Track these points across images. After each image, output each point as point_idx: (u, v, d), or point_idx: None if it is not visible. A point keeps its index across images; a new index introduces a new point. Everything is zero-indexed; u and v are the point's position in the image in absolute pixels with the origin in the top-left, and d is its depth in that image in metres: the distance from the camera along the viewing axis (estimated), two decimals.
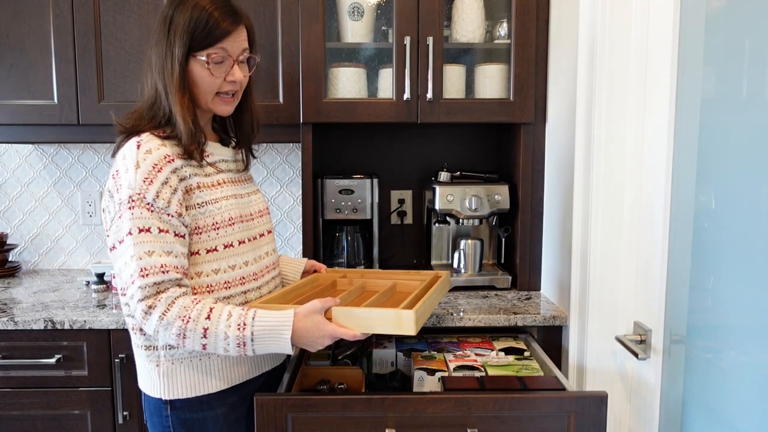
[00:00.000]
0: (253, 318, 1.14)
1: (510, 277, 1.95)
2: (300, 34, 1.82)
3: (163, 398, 1.24)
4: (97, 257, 2.31)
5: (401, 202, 2.27)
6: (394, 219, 2.27)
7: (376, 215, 2.04)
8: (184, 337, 1.13)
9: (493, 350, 1.59)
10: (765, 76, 1.02)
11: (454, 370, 1.45)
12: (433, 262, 2.17)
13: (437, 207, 1.94)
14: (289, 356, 1.49)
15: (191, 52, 1.20)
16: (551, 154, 1.84)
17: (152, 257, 1.13)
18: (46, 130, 1.95)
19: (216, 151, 1.32)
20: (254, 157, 1.45)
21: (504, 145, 2.12)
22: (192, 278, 1.21)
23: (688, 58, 1.25)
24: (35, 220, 2.29)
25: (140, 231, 1.13)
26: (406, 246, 2.29)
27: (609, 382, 1.51)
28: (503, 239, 2.05)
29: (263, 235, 1.38)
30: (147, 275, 1.12)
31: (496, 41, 1.92)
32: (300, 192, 2.24)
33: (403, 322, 1.16)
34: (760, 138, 1.03)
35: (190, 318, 1.12)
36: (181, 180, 1.20)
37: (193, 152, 1.22)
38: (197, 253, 1.22)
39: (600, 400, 1.20)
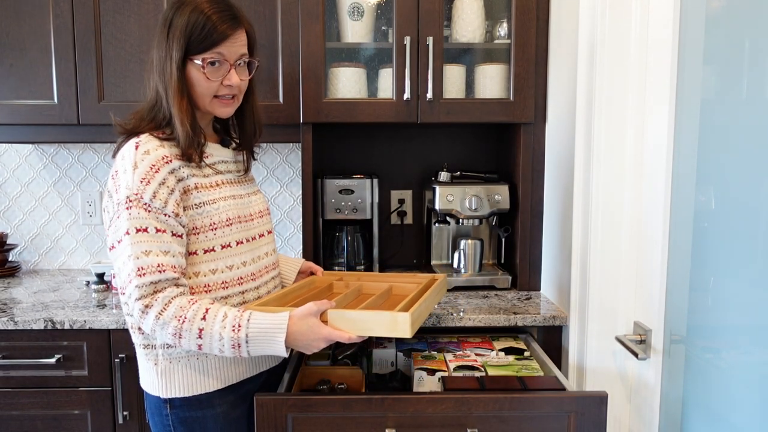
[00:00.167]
0: (248, 320, 1.14)
1: (510, 277, 1.95)
2: (300, 34, 1.82)
3: (162, 397, 1.25)
4: (97, 257, 2.31)
5: (401, 202, 2.27)
6: (394, 219, 2.27)
7: (376, 215, 2.04)
8: (179, 337, 1.14)
9: (493, 350, 1.59)
10: (765, 76, 1.02)
11: (454, 370, 1.45)
12: (433, 262, 2.17)
13: (437, 207, 1.94)
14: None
15: (188, 55, 1.20)
16: (551, 154, 1.84)
17: (149, 257, 1.13)
18: (46, 130, 1.95)
19: (216, 152, 1.32)
20: (254, 159, 1.44)
21: (504, 145, 2.12)
22: (190, 278, 1.21)
23: (688, 58, 1.25)
24: (35, 220, 2.29)
25: (137, 231, 1.14)
26: (406, 246, 2.29)
27: (609, 382, 1.51)
28: (503, 239, 2.05)
29: (263, 235, 1.38)
30: (144, 274, 1.12)
31: (496, 41, 1.92)
32: (300, 192, 2.24)
33: (399, 324, 1.16)
34: (760, 138, 1.03)
35: (185, 318, 1.13)
36: (179, 180, 1.20)
37: (191, 155, 1.23)
38: (195, 253, 1.22)
39: (600, 400, 1.20)
